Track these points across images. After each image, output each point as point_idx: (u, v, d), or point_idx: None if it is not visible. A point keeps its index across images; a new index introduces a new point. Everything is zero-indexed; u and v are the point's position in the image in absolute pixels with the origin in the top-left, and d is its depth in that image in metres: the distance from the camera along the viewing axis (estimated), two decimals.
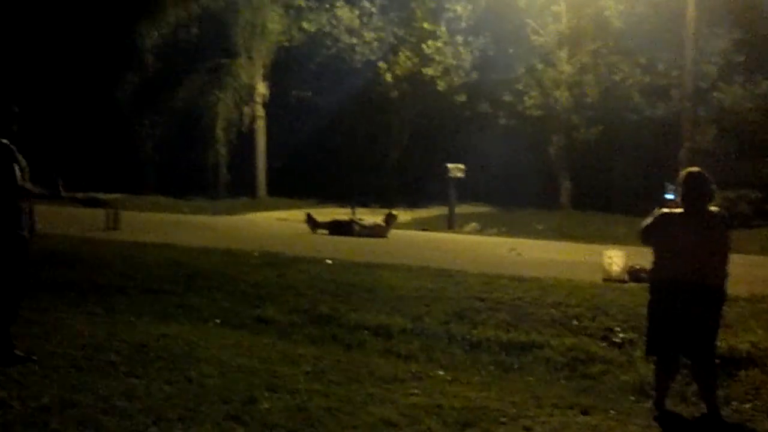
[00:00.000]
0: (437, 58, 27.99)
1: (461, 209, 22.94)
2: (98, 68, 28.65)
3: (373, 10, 29.56)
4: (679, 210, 6.34)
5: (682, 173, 6.50)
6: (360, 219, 18.77)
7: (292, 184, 29.20)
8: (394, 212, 18.89)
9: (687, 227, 6.26)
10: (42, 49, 29.33)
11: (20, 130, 6.70)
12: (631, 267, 11.00)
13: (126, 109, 29.48)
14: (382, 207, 23.02)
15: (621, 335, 8.48)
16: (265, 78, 30.21)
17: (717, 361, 6.64)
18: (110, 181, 28.87)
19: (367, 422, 5.64)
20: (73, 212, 21.76)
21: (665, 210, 6.42)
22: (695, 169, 6.51)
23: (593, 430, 5.86)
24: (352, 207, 19.15)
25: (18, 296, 6.73)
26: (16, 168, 6.43)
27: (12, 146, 6.49)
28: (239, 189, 29.28)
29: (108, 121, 29.47)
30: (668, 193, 6.53)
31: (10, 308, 6.62)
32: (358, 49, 29.48)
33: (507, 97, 27.08)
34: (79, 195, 6.52)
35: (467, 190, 23.58)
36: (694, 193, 6.30)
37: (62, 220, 16.75)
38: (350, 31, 29.45)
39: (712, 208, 6.34)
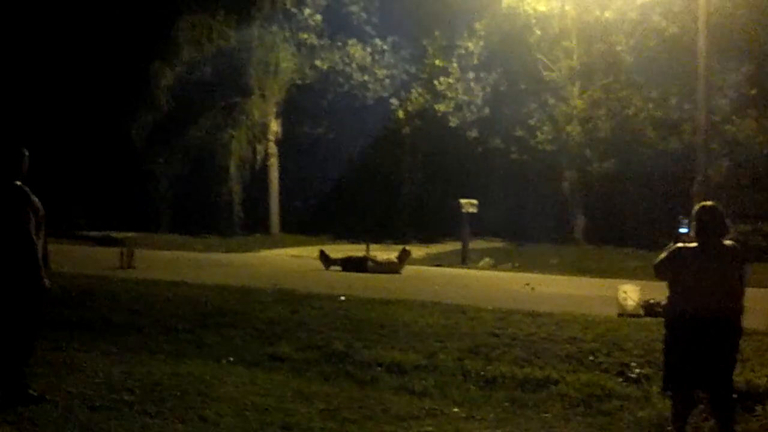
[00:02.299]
0: (449, 94, 28.11)
1: (475, 244, 22.91)
2: (113, 108, 28.88)
3: (385, 47, 29.76)
4: (694, 244, 6.32)
5: (696, 207, 6.49)
6: (373, 255, 18.77)
7: (305, 220, 29.29)
8: (407, 248, 18.89)
9: (702, 261, 6.23)
10: (57, 89, 29.65)
11: (35, 171, 6.75)
12: (646, 301, 10.94)
13: (141, 148, 29.65)
14: (395, 243, 23.03)
15: (637, 370, 8.40)
16: (278, 116, 30.44)
17: (734, 395, 6.57)
18: (125, 219, 29.08)
19: None
20: (88, 251, 21.91)
21: (680, 244, 6.40)
22: (709, 203, 6.50)
23: None
24: (366, 243, 19.17)
25: (32, 336, 6.75)
26: (30, 212, 6.46)
27: (25, 188, 6.54)
28: (253, 226, 29.37)
29: (123, 160, 29.67)
30: (682, 227, 6.50)
31: (25, 348, 6.63)
32: (370, 86, 29.65)
33: (519, 133, 27.12)
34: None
35: (481, 226, 23.56)
36: (709, 227, 6.28)
37: (77, 258, 16.83)
38: (362, 69, 29.64)
39: (727, 242, 6.32)
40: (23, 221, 6.40)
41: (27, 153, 6.71)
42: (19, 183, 6.55)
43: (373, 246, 21.00)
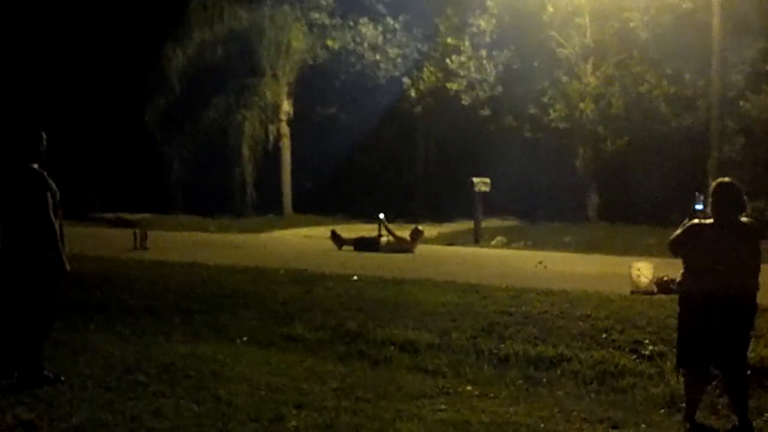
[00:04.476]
0: (461, 72, 27.97)
1: (487, 223, 22.86)
2: (126, 90, 28.92)
3: (397, 26, 29.61)
4: (710, 221, 6.28)
5: (713, 184, 6.43)
6: (385, 234, 18.69)
7: (317, 201, 29.27)
8: (420, 227, 18.84)
9: (718, 238, 6.20)
10: (70, 72, 29.73)
11: (50, 153, 6.78)
12: (660, 279, 10.90)
13: (153, 130, 29.66)
14: (407, 222, 22.98)
15: (650, 348, 8.39)
16: (290, 96, 30.36)
17: (748, 372, 6.56)
18: (138, 201, 29.16)
19: None
20: (102, 233, 22.00)
21: (695, 221, 6.36)
22: (726, 179, 6.44)
23: None
24: (378, 223, 19.12)
25: (50, 318, 6.79)
26: (48, 195, 6.50)
27: (42, 171, 6.57)
28: (265, 207, 29.37)
29: (136, 142, 29.73)
30: (698, 204, 6.47)
31: (42, 330, 6.67)
32: (382, 65, 29.53)
33: (532, 110, 27.00)
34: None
35: (493, 204, 23.48)
36: (726, 203, 6.24)
37: (91, 241, 16.90)
38: (374, 48, 29.51)
39: (743, 219, 6.28)
40: (43, 205, 6.44)
41: (44, 135, 6.73)
42: (35, 166, 6.57)
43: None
